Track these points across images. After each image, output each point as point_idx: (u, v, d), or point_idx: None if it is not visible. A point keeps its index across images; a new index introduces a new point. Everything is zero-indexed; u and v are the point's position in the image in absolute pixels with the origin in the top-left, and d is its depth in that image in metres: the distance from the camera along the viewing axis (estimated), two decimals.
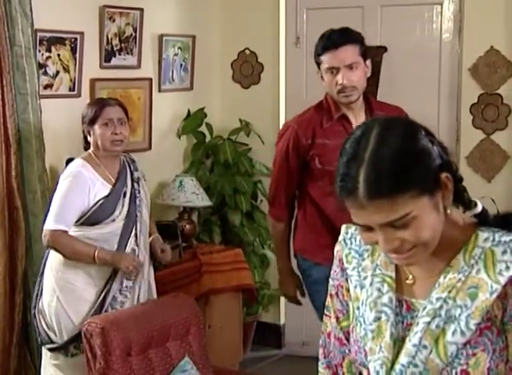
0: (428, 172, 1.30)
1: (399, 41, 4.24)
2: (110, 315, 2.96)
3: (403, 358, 1.36)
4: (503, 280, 1.32)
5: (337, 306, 1.55)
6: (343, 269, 1.53)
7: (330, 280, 1.58)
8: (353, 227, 1.51)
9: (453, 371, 1.33)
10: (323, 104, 2.97)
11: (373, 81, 4.31)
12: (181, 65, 4.39)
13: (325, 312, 1.59)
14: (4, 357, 3.35)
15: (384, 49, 4.25)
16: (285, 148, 2.95)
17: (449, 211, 1.35)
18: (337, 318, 1.55)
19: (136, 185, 3.19)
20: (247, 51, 4.61)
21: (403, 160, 1.27)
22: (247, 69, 4.62)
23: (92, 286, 3.05)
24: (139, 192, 3.19)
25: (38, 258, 3.38)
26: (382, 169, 1.26)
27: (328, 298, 1.58)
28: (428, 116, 4.29)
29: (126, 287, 3.07)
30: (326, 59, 2.83)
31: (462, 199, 1.39)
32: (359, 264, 1.50)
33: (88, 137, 3.15)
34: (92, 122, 3.10)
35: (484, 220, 1.40)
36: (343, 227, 1.56)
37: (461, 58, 4.15)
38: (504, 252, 1.34)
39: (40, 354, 3.41)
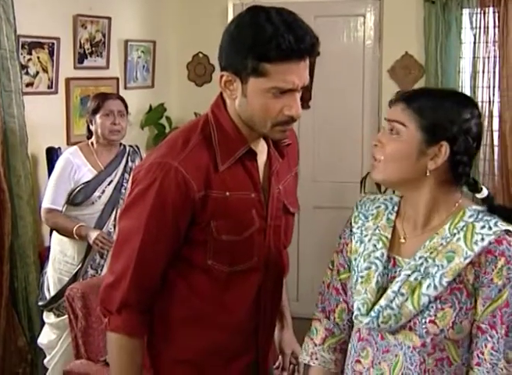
0: (439, 122, 1.39)
1: (329, 46, 4.25)
2: (89, 281, 2.94)
3: (382, 301, 1.43)
4: (476, 248, 1.37)
5: (340, 261, 1.60)
6: (351, 230, 1.57)
7: (338, 238, 1.61)
8: (367, 196, 1.60)
9: (423, 320, 1.39)
10: (211, 129, 1.58)
11: (308, 81, 4.51)
12: (143, 66, 4.42)
13: (329, 265, 1.63)
14: None
15: (317, 53, 4.44)
16: (163, 205, 1.51)
17: (428, 173, 1.41)
18: (338, 271, 1.60)
19: (126, 175, 3.11)
20: (200, 55, 4.69)
21: (442, 98, 1.42)
22: (200, 70, 4.69)
23: (74, 259, 3.10)
24: (127, 181, 3.08)
25: (23, 233, 3.41)
26: (424, 92, 1.48)
27: (334, 254, 1.62)
28: (354, 110, 4.51)
29: (98, 264, 3.08)
30: (281, 74, 1.46)
31: (461, 182, 1.43)
32: (363, 224, 1.55)
33: (90, 126, 3.13)
34: (94, 112, 3.07)
35: (490, 206, 1.44)
36: (360, 197, 1.62)
37: (381, 61, 4.33)
38: (483, 227, 1.39)
39: (27, 316, 3.46)
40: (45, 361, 3.23)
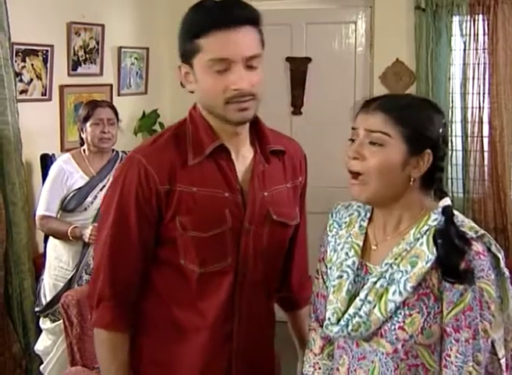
0: (423, 132, 1.39)
1: (321, 53, 4.40)
2: (84, 288, 2.83)
3: (350, 310, 1.44)
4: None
5: (323, 269, 1.60)
6: (328, 238, 1.59)
7: (320, 246, 1.62)
8: (342, 203, 1.61)
9: (392, 326, 1.40)
10: (186, 127, 1.61)
11: (300, 88, 4.52)
12: (137, 72, 4.45)
13: (315, 274, 1.63)
14: None
15: (309, 60, 4.42)
16: (128, 196, 1.54)
17: (411, 183, 1.42)
18: (323, 279, 1.60)
19: None
20: None
21: (419, 107, 1.42)
22: None
23: (69, 265, 3.11)
24: None
25: (17, 240, 3.40)
26: (399, 101, 1.45)
27: (318, 263, 1.62)
28: (345, 116, 4.50)
29: (93, 268, 3.11)
30: (213, 44, 1.47)
31: (434, 187, 1.45)
32: (337, 233, 1.56)
33: (81, 134, 3.16)
34: (85, 120, 3.10)
35: (447, 217, 1.42)
36: (335, 205, 1.62)
37: (372, 67, 4.34)
38: None
39: (22, 322, 3.45)
40: (41, 367, 3.24)
